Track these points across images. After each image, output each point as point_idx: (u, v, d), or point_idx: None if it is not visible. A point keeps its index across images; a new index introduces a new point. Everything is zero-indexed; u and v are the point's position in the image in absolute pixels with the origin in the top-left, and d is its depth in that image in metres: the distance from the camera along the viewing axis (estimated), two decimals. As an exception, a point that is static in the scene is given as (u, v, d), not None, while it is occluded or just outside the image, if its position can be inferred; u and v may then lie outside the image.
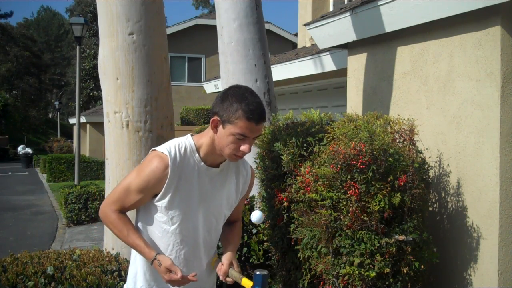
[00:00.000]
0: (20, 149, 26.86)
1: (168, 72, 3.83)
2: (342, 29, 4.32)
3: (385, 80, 3.99)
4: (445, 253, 3.26)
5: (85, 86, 30.24)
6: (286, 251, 3.30)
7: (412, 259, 2.75)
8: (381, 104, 4.02)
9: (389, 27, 3.76)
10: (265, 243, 3.70)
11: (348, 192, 2.69)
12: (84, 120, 21.18)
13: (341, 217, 2.72)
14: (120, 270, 3.08)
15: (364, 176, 2.69)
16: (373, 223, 2.68)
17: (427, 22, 3.41)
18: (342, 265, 2.73)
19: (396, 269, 2.75)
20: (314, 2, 8.44)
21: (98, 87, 26.00)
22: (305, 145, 3.05)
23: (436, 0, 3.26)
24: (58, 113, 42.44)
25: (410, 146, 2.98)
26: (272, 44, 13.96)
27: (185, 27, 19.21)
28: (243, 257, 3.79)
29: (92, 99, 31.76)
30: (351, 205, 2.69)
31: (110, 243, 3.75)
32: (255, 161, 3.43)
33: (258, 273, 1.89)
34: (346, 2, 7.72)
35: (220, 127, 1.90)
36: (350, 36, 4.24)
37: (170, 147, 1.96)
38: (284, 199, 3.08)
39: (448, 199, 3.32)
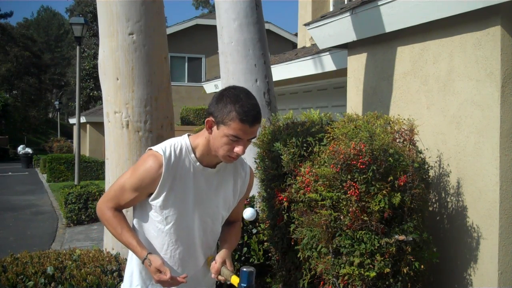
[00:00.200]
0: (20, 149, 26.84)
1: (168, 72, 3.83)
2: (342, 29, 4.32)
3: (385, 80, 3.99)
4: (445, 253, 3.26)
5: (85, 86, 30.21)
6: (286, 251, 3.30)
7: (412, 259, 2.75)
8: (381, 104, 4.01)
9: (389, 27, 3.76)
10: (265, 243, 3.70)
11: (348, 192, 2.69)
12: (84, 120, 21.19)
13: (341, 217, 2.71)
14: (120, 270, 3.08)
15: (364, 176, 2.69)
16: (373, 223, 2.68)
17: (427, 22, 3.41)
18: (342, 265, 2.72)
19: (396, 269, 2.75)
20: (314, 2, 8.44)
21: (98, 87, 26.02)
22: (305, 145, 3.05)
23: (436, 0, 3.26)
24: (58, 113, 42.46)
25: (410, 146, 2.98)
26: (272, 44, 13.95)
27: (185, 27, 19.19)
28: (243, 257, 3.79)
29: (92, 99, 31.74)
30: (351, 205, 2.68)
31: (110, 243, 3.75)
32: (255, 161, 3.43)
33: (244, 269, 1.88)
34: (346, 2, 7.72)
35: (215, 128, 1.90)
36: (350, 36, 4.24)
37: (166, 147, 1.97)
38: (284, 199, 3.08)
39: (448, 199, 3.32)
